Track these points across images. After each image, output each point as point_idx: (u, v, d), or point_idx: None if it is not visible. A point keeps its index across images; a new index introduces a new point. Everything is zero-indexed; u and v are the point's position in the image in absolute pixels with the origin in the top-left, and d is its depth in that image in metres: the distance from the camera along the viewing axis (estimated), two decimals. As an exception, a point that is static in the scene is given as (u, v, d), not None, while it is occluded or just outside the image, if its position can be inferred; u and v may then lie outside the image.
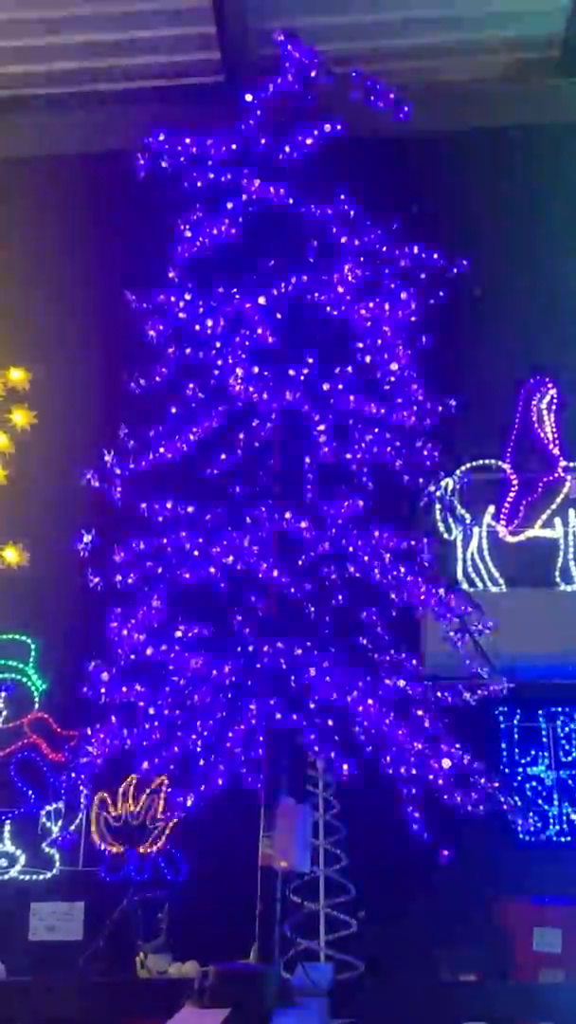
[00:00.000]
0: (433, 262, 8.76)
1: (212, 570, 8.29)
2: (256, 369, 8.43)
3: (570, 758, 10.86)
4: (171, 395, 8.69)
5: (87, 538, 8.41)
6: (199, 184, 8.74)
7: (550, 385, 11.85)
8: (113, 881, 10.39)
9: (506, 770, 10.68)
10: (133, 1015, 8.71)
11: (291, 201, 8.66)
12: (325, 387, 8.44)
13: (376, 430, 8.57)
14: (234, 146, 8.75)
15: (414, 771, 7.87)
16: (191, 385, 8.65)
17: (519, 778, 10.76)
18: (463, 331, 11.10)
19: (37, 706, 11.06)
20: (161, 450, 8.50)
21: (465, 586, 10.96)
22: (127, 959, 9.70)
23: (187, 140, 8.75)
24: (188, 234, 8.73)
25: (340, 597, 8.49)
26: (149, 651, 8.17)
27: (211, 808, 8.21)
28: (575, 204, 12.33)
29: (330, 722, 7.98)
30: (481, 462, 11.56)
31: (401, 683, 8.15)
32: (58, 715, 10.84)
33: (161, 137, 8.75)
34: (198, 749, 8.20)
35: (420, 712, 8.03)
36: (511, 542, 11.49)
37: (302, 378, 8.41)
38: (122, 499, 8.46)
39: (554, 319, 11.94)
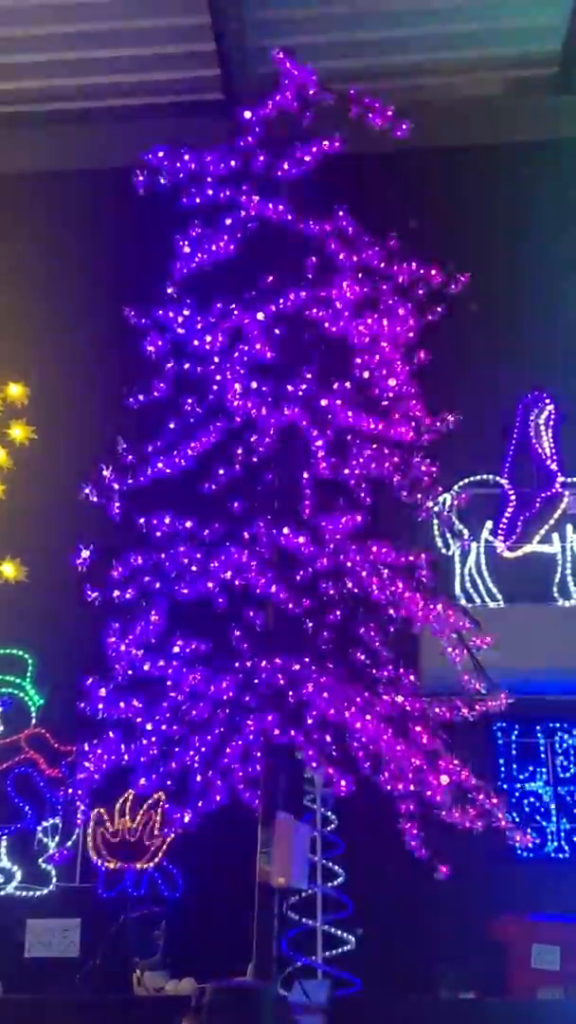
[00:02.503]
0: (431, 278, 8.80)
1: (210, 585, 8.29)
2: (254, 385, 8.45)
3: (568, 774, 10.85)
4: (170, 410, 8.70)
5: (85, 553, 8.39)
6: (198, 200, 8.78)
7: (548, 401, 11.88)
8: (110, 898, 10.36)
9: (504, 786, 10.66)
10: (130, 1032, 8.67)
11: (289, 217, 8.71)
12: (323, 403, 8.45)
13: (374, 446, 8.58)
14: (233, 163, 8.78)
15: (412, 787, 7.86)
16: (190, 400, 8.67)
17: (517, 794, 10.74)
18: (461, 347, 11.12)
19: (34, 721, 11.04)
20: (160, 465, 8.50)
21: (463, 601, 10.95)
22: (124, 976, 9.64)
23: (186, 157, 8.78)
24: (187, 250, 8.77)
25: (338, 613, 8.47)
26: (147, 666, 8.16)
27: (208, 824, 8.20)
28: (573, 220, 12.37)
29: (328, 738, 7.97)
30: (479, 477, 11.57)
31: (399, 699, 8.14)
32: (55, 730, 10.83)
33: (160, 154, 8.78)
34: (196, 765, 8.19)
35: (418, 728, 8.01)
36: (509, 557, 11.50)
37: (300, 394, 8.43)
38: (120, 514, 8.46)
39: (552, 335, 11.96)
